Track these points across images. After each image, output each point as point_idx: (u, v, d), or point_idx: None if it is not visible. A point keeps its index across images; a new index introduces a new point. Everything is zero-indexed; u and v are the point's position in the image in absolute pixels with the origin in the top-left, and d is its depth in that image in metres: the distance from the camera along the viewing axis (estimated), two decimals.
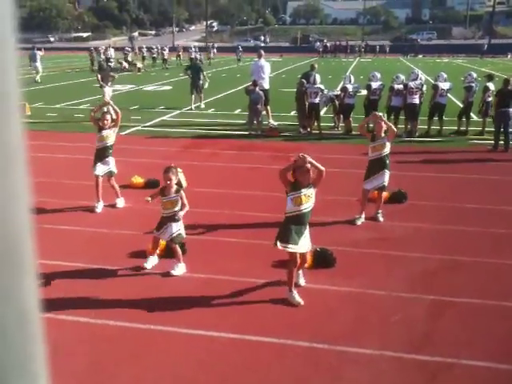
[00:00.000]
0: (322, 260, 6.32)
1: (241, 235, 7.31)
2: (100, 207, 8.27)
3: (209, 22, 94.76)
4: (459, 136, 14.17)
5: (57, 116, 17.34)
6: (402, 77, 14.26)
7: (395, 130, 8.01)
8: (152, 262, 6.28)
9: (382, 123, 7.68)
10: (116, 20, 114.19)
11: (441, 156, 12.05)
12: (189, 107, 18.90)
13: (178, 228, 6.16)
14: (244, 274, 6.06)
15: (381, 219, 7.86)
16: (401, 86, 13.91)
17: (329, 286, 5.87)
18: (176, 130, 15.01)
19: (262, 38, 79.40)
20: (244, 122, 15.45)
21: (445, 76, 14.25)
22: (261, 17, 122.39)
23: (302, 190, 5.33)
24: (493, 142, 12.57)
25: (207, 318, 5.19)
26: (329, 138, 14.05)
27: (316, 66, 15.33)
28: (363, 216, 7.80)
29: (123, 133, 14.08)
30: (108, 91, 16.02)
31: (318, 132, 14.38)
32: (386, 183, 7.76)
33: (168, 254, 6.43)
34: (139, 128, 15.19)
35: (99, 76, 16.85)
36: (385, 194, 8.52)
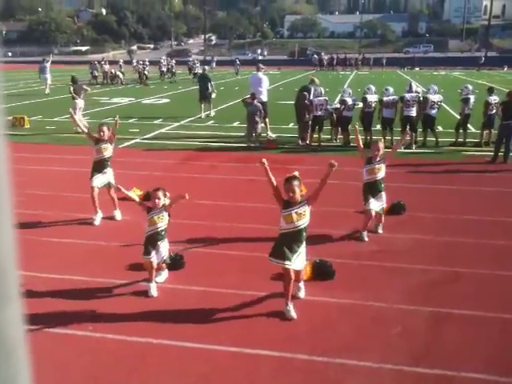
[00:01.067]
0: (321, 272, 6.30)
1: (239, 248, 7.29)
2: (98, 219, 8.24)
3: (207, 36, 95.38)
4: (457, 148, 14.22)
5: (55, 129, 17.36)
6: (392, 89, 14.37)
7: (393, 153, 8.02)
8: (153, 290, 5.99)
9: (380, 145, 7.66)
10: (115, 34, 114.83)
11: (439, 168, 12.07)
12: (198, 116, 19.95)
13: (166, 248, 6.05)
14: (243, 287, 6.04)
15: (380, 231, 7.85)
16: (390, 99, 14.01)
17: (328, 298, 5.84)
18: (175, 143, 15.03)
19: (259, 51, 79.85)
20: (243, 134, 15.49)
21: (435, 88, 14.34)
22: (259, 30, 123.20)
23: (294, 208, 5.30)
24: (491, 153, 12.60)
25: (206, 331, 5.16)
26: (327, 150, 14.08)
27: (316, 80, 15.39)
28: (365, 233, 7.68)
29: (122, 145, 14.11)
30: (80, 103, 16.66)
31: (316, 144, 14.42)
32: (384, 205, 7.76)
33: (167, 267, 6.41)
34: (138, 140, 15.22)
35: (72, 88, 17.03)
36: (383, 206, 8.51)
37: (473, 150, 13.95)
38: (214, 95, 20.43)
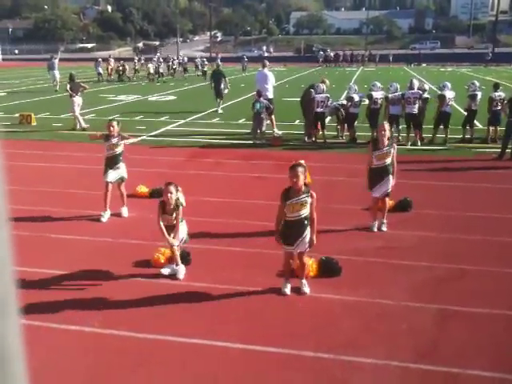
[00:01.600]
0: (327, 269, 6.30)
1: (245, 244, 7.30)
2: (106, 216, 8.26)
3: (213, 33, 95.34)
4: (464, 144, 14.17)
5: (62, 126, 17.42)
6: (396, 85, 14.34)
7: (395, 167, 7.85)
8: (171, 270, 6.33)
9: (385, 127, 7.64)
10: (120, 31, 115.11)
11: (446, 164, 12.03)
12: (214, 109, 20.79)
13: (184, 231, 6.33)
14: (248, 283, 6.05)
15: (384, 229, 7.84)
16: (396, 95, 13.99)
17: (334, 295, 5.85)
18: (181, 140, 15.05)
19: (265, 47, 79.81)
20: (248, 131, 15.49)
21: (449, 85, 14.30)
22: (264, 27, 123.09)
23: (296, 198, 5.45)
24: (499, 150, 12.54)
25: (211, 327, 5.17)
26: (333, 147, 14.07)
27: (327, 81, 15.35)
28: (376, 223, 7.80)
29: (129, 142, 14.12)
30: (77, 100, 16.75)
31: (322, 141, 14.41)
32: (389, 189, 7.75)
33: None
34: (144, 138, 15.25)
35: (68, 86, 17.11)
36: (390, 203, 8.50)
37: (480, 146, 13.88)
38: (226, 91, 20.99)
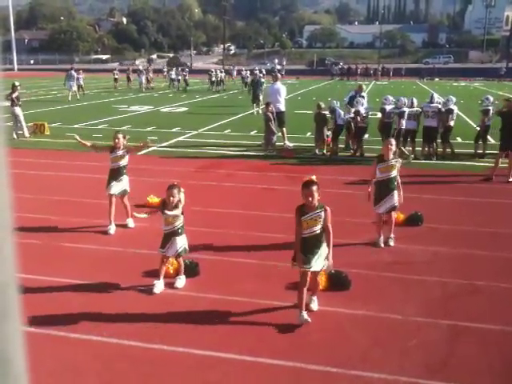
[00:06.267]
0: (336, 282, 6.25)
1: (255, 256, 7.28)
2: (113, 229, 8.22)
3: (226, 45, 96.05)
4: (476, 159, 14.08)
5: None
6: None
7: (399, 184, 7.71)
8: (159, 287, 6.18)
9: (391, 142, 7.64)
10: (135, 43, 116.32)
11: (457, 179, 11.95)
12: (252, 111, 24.27)
13: (182, 243, 6.25)
14: (258, 296, 6.02)
15: (392, 243, 7.77)
16: (412, 110, 13.98)
17: (344, 309, 5.80)
18: (192, 151, 15.11)
19: (276, 60, 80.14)
20: (260, 143, 15.52)
21: (454, 100, 14.30)
22: (277, 40, 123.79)
23: (311, 214, 5.33)
24: None
25: (220, 339, 5.15)
26: (345, 160, 14.04)
27: (363, 86, 15.65)
28: (382, 238, 7.72)
29: (139, 153, 14.21)
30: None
31: (334, 154, 14.39)
32: (396, 204, 7.64)
33: (185, 273, 6.44)
34: (155, 148, 15.32)
35: (15, 95, 17.17)
36: (401, 217, 8.45)
37: (492, 161, 13.77)
38: (261, 97, 23.54)
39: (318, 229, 5.37)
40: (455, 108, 14.14)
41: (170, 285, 6.28)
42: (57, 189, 10.76)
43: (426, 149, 14.00)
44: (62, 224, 8.52)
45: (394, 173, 7.57)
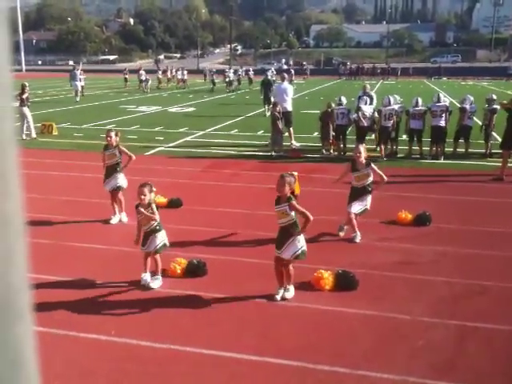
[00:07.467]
0: (343, 282, 6.24)
1: (263, 256, 7.27)
2: (115, 220, 8.64)
3: (233, 45, 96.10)
4: (485, 158, 14.02)
5: (83, 136, 17.64)
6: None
7: (385, 179, 7.83)
8: (146, 278, 6.32)
9: (360, 149, 7.78)
10: (142, 43, 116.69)
11: (465, 178, 11.89)
12: (262, 109, 24.06)
13: (161, 239, 6.34)
14: (264, 295, 6.02)
15: (341, 234, 7.90)
16: (416, 109, 13.85)
17: (351, 308, 5.79)
18: (199, 151, 15.13)
19: (283, 60, 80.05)
20: (266, 143, 15.52)
21: (472, 99, 14.19)
22: (284, 40, 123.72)
23: (278, 206, 5.76)
24: None
25: (227, 338, 5.15)
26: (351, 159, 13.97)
27: (368, 85, 15.52)
28: (358, 233, 7.80)
29: (147, 153, 14.27)
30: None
31: (342, 153, 14.35)
32: (368, 206, 7.80)
33: (189, 273, 6.46)
34: (162, 148, 15.36)
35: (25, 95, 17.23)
36: (409, 217, 8.45)
37: (500, 161, 13.68)
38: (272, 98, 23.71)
39: (285, 221, 5.72)
40: (467, 107, 14.04)
41: (178, 285, 6.30)
42: (65, 189, 10.81)
43: (434, 148, 13.93)
44: (70, 224, 8.56)
45: (370, 179, 7.75)
